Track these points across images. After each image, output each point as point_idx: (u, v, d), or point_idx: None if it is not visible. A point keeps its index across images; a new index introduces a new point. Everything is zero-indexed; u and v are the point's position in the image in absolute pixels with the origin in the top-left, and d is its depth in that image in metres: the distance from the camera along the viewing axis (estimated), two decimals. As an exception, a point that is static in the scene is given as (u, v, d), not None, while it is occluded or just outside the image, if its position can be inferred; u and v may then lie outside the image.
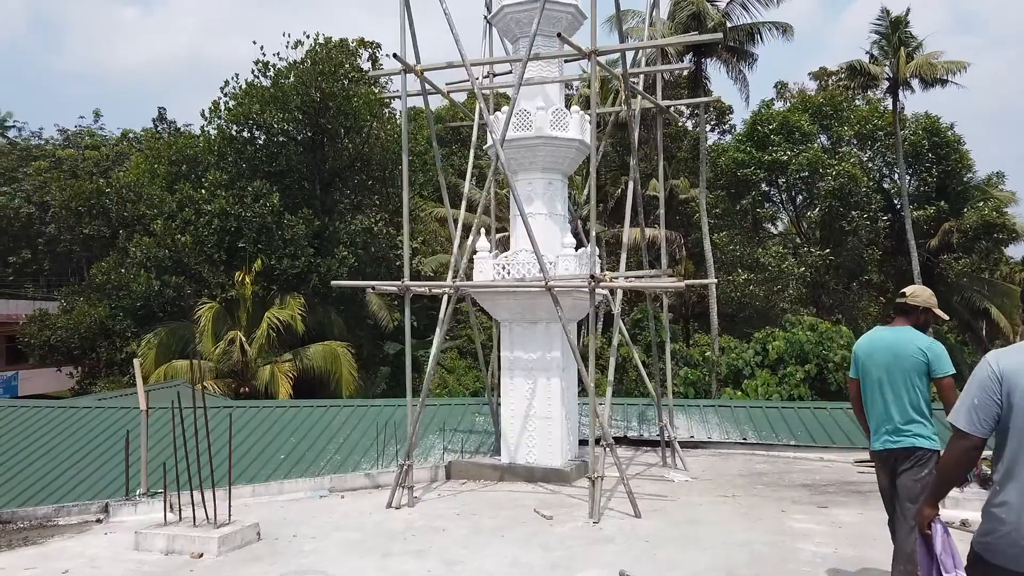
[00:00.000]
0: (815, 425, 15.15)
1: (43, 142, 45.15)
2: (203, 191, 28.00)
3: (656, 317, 14.23)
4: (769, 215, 41.99)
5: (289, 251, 28.28)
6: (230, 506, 9.00)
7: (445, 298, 11.09)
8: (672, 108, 42.26)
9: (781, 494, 11.18)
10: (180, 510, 9.09)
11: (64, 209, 28.12)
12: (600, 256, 11.96)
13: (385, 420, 15.96)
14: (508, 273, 11.73)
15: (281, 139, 29.50)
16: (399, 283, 10.68)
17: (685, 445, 14.63)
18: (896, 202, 38.48)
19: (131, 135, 39.04)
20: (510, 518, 9.89)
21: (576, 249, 11.66)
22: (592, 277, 9.66)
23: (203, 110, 29.14)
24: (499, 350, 12.43)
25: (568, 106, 12.28)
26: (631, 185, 11.37)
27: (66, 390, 30.31)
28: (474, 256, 12.03)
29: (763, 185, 38.54)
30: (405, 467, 10.61)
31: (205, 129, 29.40)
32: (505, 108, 11.88)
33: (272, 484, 11.42)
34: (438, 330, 10.86)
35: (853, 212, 35.38)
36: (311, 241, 28.95)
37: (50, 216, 28.43)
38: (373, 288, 10.81)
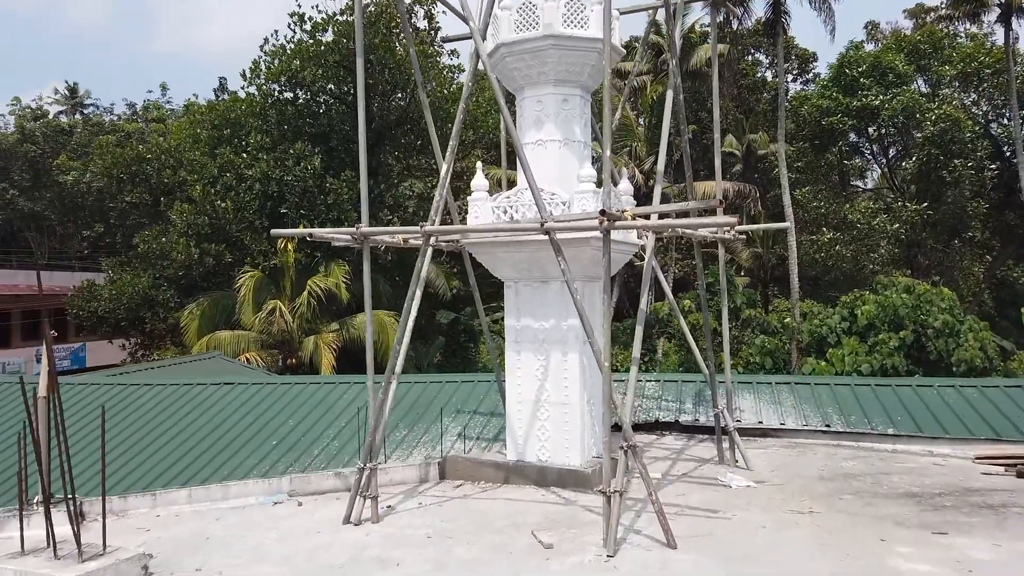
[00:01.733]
0: (919, 407, 11.66)
1: (114, 117, 44.45)
2: (244, 155, 25.88)
3: (720, 279, 11.07)
4: (857, 169, 37.32)
5: (332, 216, 25.91)
6: (104, 528, 6.42)
7: (424, 251, 8.19)
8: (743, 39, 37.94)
9: (878, 509, 7.93)
10: (51, 536, 6.57)
11: (105, 176, 26.60)
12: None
13: (413, 400, 13.33)
14: (511, 218, 8.75)
15: (324, 98, 27.07)
16: (353, 229, 7.85)
17: (752, 433, 11.42)
18: (1006, 148, 33.34)
19: (195, 106, 37.47)
20: (496, 545, 7.02)
21: (600, 186, 8.58)
22: (603, 214, 6.58)
23: (243, 70, 26.86)
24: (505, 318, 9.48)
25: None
26: (669, 95, 8.16)
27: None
28: (469, 198, 9.10)
29: (851, 135, 33.99)
30: (366, 472, 7.86)
31: (247, 90, 27.25)
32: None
33: (214, 487, 8.87)
34: (412, 289, 8.01)
35: (955, 161, 30.63)
36: (356, 205, 26.45)
37: (92, 183, 27.00)
38: (311, 236, 8.00)
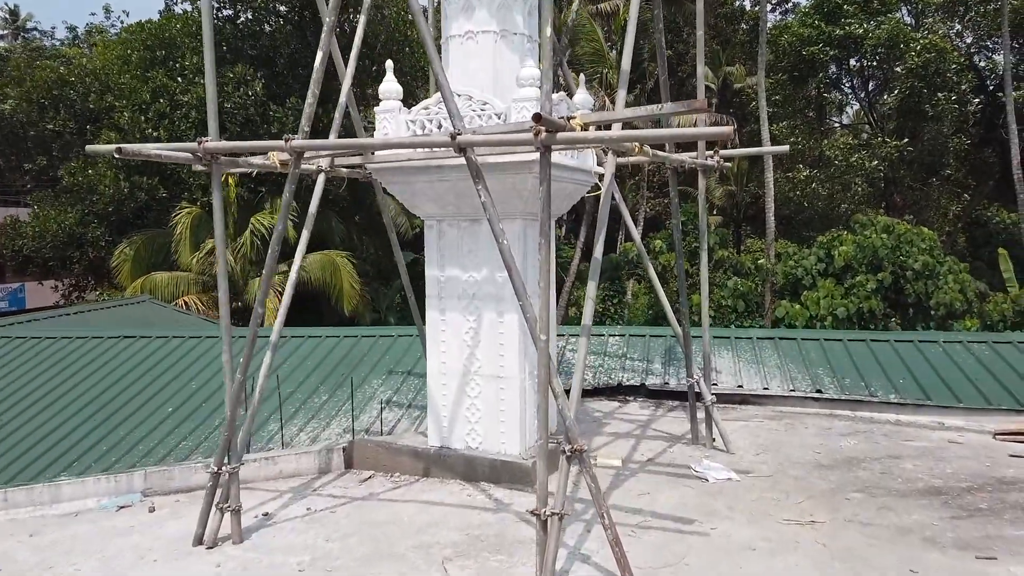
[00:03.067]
0: (923, 368, 9.70)
1: (56, 42, 40.65)
2: (180, 79, 22.94)
3: (700, 217, 8.79)
4: (836, 103, 35.02)
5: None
6: None
7: (293, 174, 5.86)
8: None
9: (898, 516, 5.94)
10: None
11: (24, 101, 23.59)
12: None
13: (341, 355, 11.17)
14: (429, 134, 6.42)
15: (268, 16, 24.04)
16: (194, 145, 5.51)
17: (731, 400, 9.42)
18: (989, 83, 31.21)
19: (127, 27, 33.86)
20: (389, 584, 4.96)
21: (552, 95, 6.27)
22: (539, 119, 4.29)
23: (169, -18, 23.65)
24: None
25: None
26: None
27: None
28: (376, 108, 6.77)
29: (831, 67, 31.57)
30: (223, 476, 5.70)
31: (183, 7, 24.12)
32: None
33: (39, 488, 6.66)
34: (280, 227, 5.74)
35: (939, 94, 28.45)
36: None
37: (9, 110, 24.00)
38: (119, 153, 5.60)
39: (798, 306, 23.09)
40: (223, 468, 5.63)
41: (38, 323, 13.54)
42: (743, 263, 26.23)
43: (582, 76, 6.86)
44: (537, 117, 4.27)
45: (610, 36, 28.88)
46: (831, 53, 29.63)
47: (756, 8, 35.91)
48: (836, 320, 22.22)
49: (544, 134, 4.43)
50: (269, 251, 5.71)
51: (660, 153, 6.02)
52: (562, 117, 4.51)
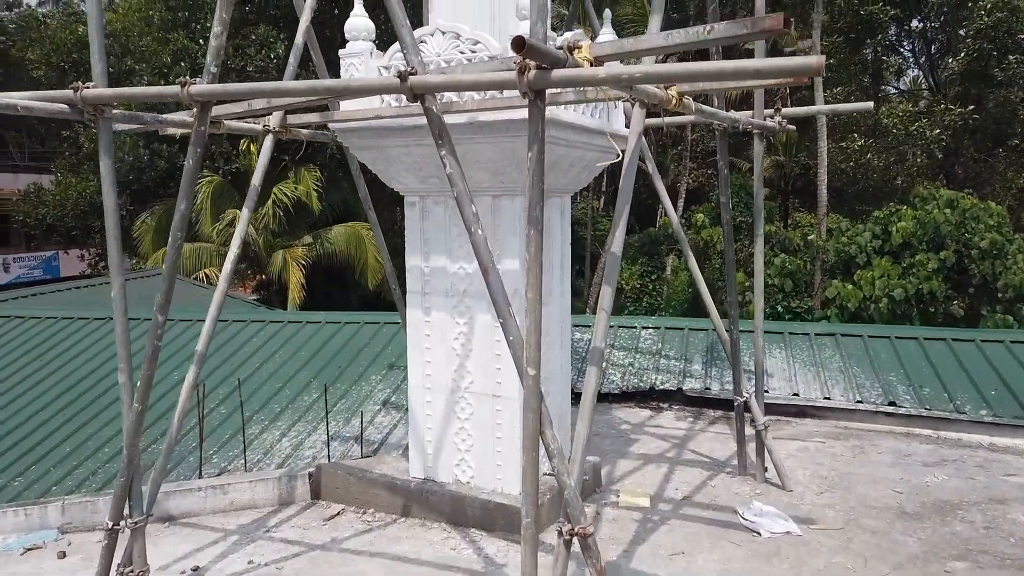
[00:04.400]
0: (1018, 375, 7.92)
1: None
2: (201, 42, 21.62)
3: (755, 191, 7.14)
4: (895, 68, 32.31)
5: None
6: None
7: (199, 132, 4.36)
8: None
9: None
10: None
11: (45, 64, 22.54)
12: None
13: (340, 345, 9.81)
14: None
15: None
16: (69, 93, 3.99)
17: (785, 411, 7.77)
18: (1068, 45, 28.20)
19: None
20: None
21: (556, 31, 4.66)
22: (522, 46, 2.68)
23: (195, -61, 22.19)
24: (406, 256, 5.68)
25: None
26: None
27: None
28: (341, 52, 5.23)
29: (891, 29, 28.90)
30: (123, 531, 4.29)
31: (203, -34, 22.62)
32: None
33: (-72, 525, 5.38)
34: (183, 208, 4.24)
35: (1009, 57, 25.73)
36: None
37: (32, 78, 23.01)
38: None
39: (850, 286, 21.05)
40: (124, 523, 4.23)
41: (6, 303, 12.38)
42: (791, 239, 24.18)
43: (607, 12, 5.19)
44: (520, 43, 2.66)
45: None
46: (891, 13, 26.98)
47: (810, -34, 33.20)
48: (892, 302, 20.20)
49: (533, 71, 2.83)
50: (171, 238, 4.22)
51: (707, 108, 4.37)
52: (560, 47, 2.90)
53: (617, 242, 3.79)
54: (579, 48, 2.91)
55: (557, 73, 2.82)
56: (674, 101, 3.65)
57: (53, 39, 22.48)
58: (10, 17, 35.72)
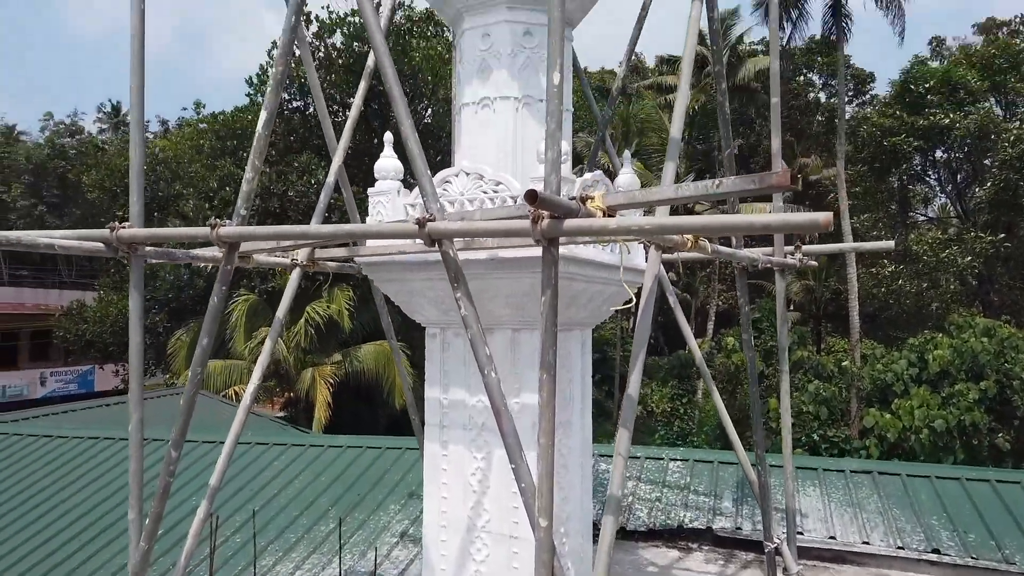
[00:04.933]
0: (1072, 522, 7.45)
1: (149, 135, 42.22)
2: (246, 168, 22.72)
3: (777, 326, 7.05)
4: (921, 196, 32.62)
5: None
6: None
7: (225, 273, 4.46)
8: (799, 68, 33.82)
9: None
10: None
11: (97, 188, 23.76)
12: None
13: (358, 473, 9.65)
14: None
15: (333, 107, 23.82)
16: (106, 232, 4.13)
17: (820, 555, 7.36)
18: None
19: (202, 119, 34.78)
20: None
21: (583, 172, 4.83)
22: (534, 198, 2.75)
23: (249, 76, 23.80)
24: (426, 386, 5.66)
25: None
26: (692, 11, 4.35)
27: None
28: (370, 190, 5.42)
29: (915, 159, 29.39)
30: None
31: (253, 99, 24.15)
32: None
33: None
34: (207, 337, 4.30)
35: (1038, 187, 25.93)
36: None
37: (87, 199, 24.29)
38: (11, 242, 4.26)
39: (889, 415, 20.45)
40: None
41: (37, 420, 12.51)
42: (825, 364, 23.75)
43: (627, 153, 5.36)
44: (532, 196, 2.74)
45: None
46: (915, 144, 27.53)
47: (832, 100, 34.33)
48: (934, 433, 19.48)
49: (546, 221, 2.90)
50: (191, 372, 4.27)
51: (724, 249, 4.41)
52: (573, 197, 2.97)
53: (633, 385, 3.74)
54: (591, 199, 2.97)
55: (569, 223, 2.87)
56: (689, 244, 3.69)
57: (108, 164, 23.81)
58: (71, 143, 38.13)
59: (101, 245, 4.17)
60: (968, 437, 19.33)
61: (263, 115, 4.06)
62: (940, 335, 21.44)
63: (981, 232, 27.03)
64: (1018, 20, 27.60)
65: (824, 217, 2.37)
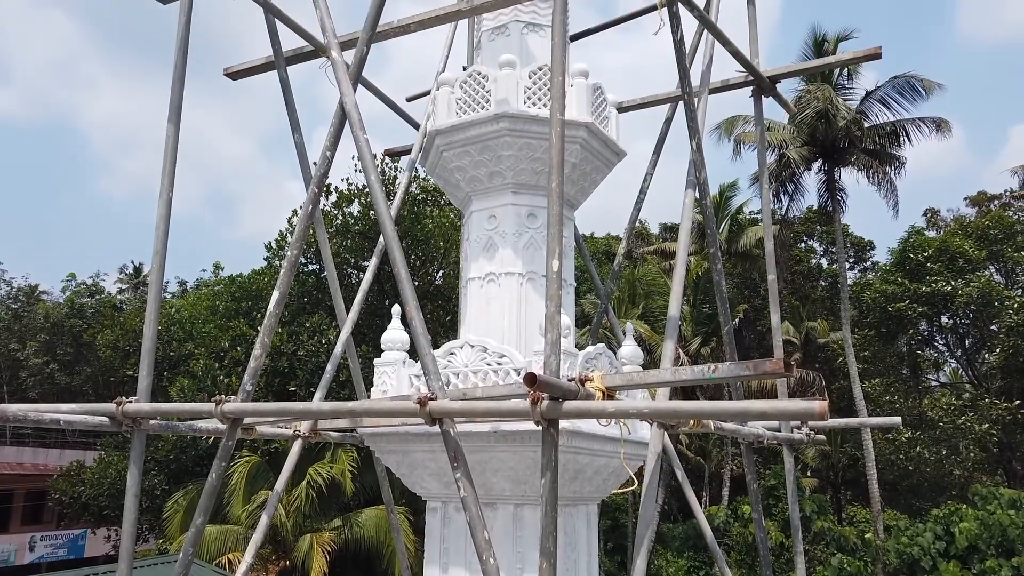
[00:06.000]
0: None
1: (167, 295, 43.31)
2: (258, 329, 23.15)
3: (788, 498, 6.88)
4: (931, 360, 32.55)
5: (344, 394, 22.46)
6: None
7: (229, 444, 4.46)
8: (800, 237, 34.91)
9: None
10: None
11: (111, 348, 24.07)
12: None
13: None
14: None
15: (348, 270, 24.57)
16: (112, 407, 4.17)
17: None
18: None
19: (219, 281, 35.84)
20: None
21: (588, 335, 4.94)
22: (533, 381, 2.81)
23: (268, 242, 24.78)
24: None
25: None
26: (686, 199, 4.63)
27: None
28: (376, 361, 5.52)
29: (922, 324, 29.62)
30: None
31: (271, 262, 25.00)
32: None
33: None
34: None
35: (1048, 353, 25.89)
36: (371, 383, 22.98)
37: (99, 357, 24.57)
38: (10, 420, 4.29)
39: (919, 595, 19.34)
40: None
41: None
42: (847, 536, 22.73)
43: (629, 325, 5.50)
44: (532, 379, 2.80)
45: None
46: (919, 310, 27.85)
47: (834, 266, 35.15)
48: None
49: (546, 402, 2.94)
50: (182, 554, 4.15)
51: (728, 425, 4.40)
52: (573, 379, 3.02)
53: (639, 563, 3.61)
54: (591, 379, 3.03)
55: (568, 405, 2.91)
56: (692, 422, 3.69)
57: (124, 324, 24.26)
58: (90, 303, 39.06)
59: (106, 420, 4.20)
60: None
61: (275, 295, 4.23)
62: (964, 506, 20.67)
63: (996, 398, 26.70)
64: (1008, 194, 28.76)
65: (820, 406, 2.40)
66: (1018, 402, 26.17)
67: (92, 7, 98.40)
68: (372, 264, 6.12)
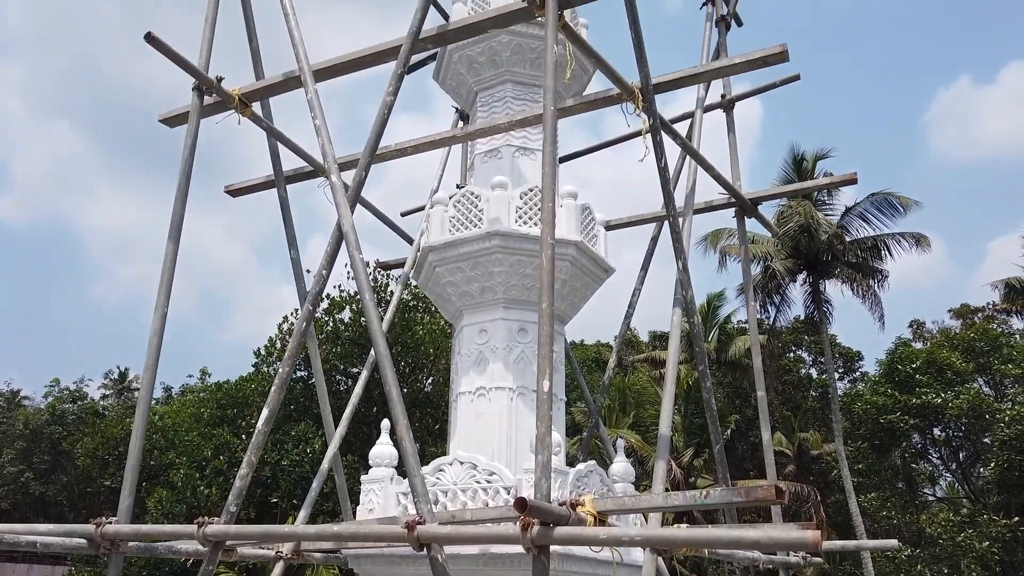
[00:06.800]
0: None
1: (153, 402, 42.60)
2: (244, 437, 22.74)
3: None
4: (927, 474, 32.09)
5: (328, 507, 21.86)
6: None
7: (209, 569, 4.33)
8: (788, 346, 35.12)
9: None
10: None
11: (89, 457, 23.46)
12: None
13: None
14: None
15: (336, 376, 24.41)
16: (91, 528, 4.08)
17: None
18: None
19: (203, 388, 35.43)
20: None
21: (574, 464, 4.92)
22: (524, 506, 2.80)
23: (257, 348, 24.72)
24: None
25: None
26: (674, 317, 4.74)
27: None
28: (363, 478, 5.45)
29: (914, 436, 29.39)
30: None
31: (259, 368, 24.83)
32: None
33: None
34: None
35: (1044, 468, 25.58)
36: (358, 496, 22.40)
37: (76, 466, 23.89)
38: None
39: None
40: None
41: None
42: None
43: (620, 441, 5.48)
44: (522, 504, 2.79)
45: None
46: (911, 422, 27.69)
47: (823, 376, 35.15)
48: None
49: (536, 528, 2.91)
50: None
51: (722, 551, 4.32)
52: (563, 503, 3.01)
53: None
54: (582, 504, 3.01)
55: (560, 531, 2.89)
56: (687, 548, 3.64)
57: (104, 432, 23.79)
58: (72, 409, 38.39)
59: (84, 542, 4.10)
60: None
61: (264, 412, 4.24)
62: (972, 630, 19.87)
63: (994, 514, 26.17)
64: (991, 307, 29.25)
65: (813, 536, 2.40)
66: (1016, 519, 25.64)
67: (99, 120, 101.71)
68: (363, 377, 6.16)
